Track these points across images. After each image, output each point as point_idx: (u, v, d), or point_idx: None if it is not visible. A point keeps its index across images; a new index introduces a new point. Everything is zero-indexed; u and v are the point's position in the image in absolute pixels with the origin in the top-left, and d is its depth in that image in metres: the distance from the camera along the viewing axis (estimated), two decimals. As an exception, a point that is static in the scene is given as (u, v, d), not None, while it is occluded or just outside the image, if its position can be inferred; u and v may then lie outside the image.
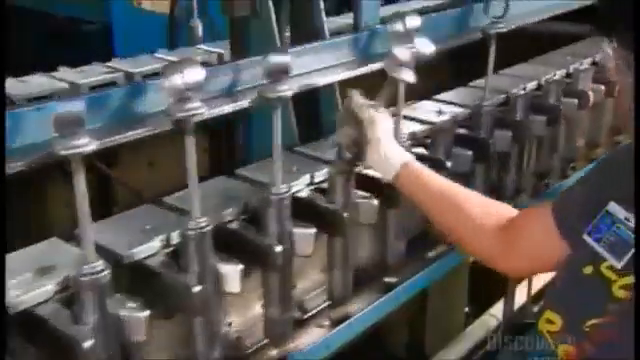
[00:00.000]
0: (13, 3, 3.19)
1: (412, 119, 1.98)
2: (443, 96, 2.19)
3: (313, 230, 1.50)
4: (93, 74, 2.16)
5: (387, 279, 1.76)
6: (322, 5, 2.05)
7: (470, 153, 1.93)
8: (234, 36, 2.00)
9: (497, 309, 2.74)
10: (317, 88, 1.93)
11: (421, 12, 2.72)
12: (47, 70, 2.16)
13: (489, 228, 1.44)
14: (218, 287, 1.34)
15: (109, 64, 2.27)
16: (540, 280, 3.01)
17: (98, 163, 1.80)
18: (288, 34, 2.03)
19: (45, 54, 2.44)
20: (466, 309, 2.63)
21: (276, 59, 1.38)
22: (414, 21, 1.61)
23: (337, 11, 2.79)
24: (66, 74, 2.16)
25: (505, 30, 1.92)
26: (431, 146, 1.91)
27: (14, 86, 2.01)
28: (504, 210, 1.48)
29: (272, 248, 1.42)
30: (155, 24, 3.14)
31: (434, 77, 2.65)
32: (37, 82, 2.08)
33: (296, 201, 1.52)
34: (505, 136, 2.04)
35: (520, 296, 2.83)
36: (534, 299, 2.92)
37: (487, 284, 2.69)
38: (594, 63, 2.47)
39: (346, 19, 2.59)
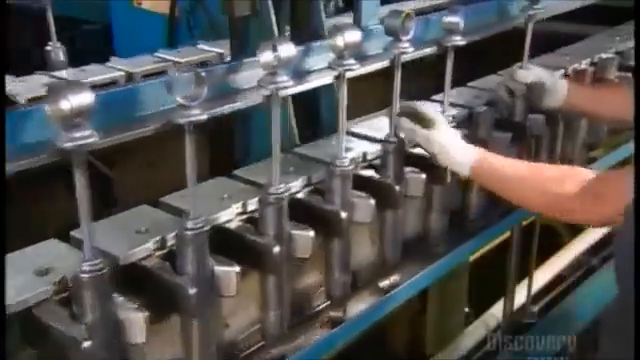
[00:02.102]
0: (13, 3, 3.20)
1: (363, 137, 1.83)
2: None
3: (311, 232, 1.45)
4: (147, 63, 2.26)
5: (333, 313, 1.62)
6: (322, 5, 2.06)
7: (423, 176, 1.76)
8: (234, 35, 2.01)
9: (497, 309, 2.75)
10: (317, 88, 1.93)
11: (422, 12, 2.75)
12: (47, 70, 2.17)
13: (568, 191, 1.60)
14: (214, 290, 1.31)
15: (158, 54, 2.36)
16: (540, 281, 3.02)
17: (98, 163, 1.80)
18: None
19: (45, 54, 2.44)
20: (466, 309, 2.64)
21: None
22: (354, 35, 1.47)
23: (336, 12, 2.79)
24: (119, 63, 2.24)
25: (464, 43, 1.80)
26: (381, 167, 1.74)
27: (76, 75, 2.10)
28: (578, 172, 1.66)
29: (270, 248, 1.38)
30: (155, 24, 3.14)
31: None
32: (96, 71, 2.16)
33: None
34: None
35: (520, 296, 2.84)
36: (534, 299, 2.93)
37: (487, 284, 2.70)
38: (566, 75, 2.34)
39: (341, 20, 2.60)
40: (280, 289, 1.47)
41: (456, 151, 1.72)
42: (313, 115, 2.08)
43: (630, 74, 2.47)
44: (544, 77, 2.06)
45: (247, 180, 1.61)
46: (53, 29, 2.27)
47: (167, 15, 3.00)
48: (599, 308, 2.84)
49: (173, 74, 1.23)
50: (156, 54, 2.35)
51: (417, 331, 2.42)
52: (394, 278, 1.74)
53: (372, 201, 1.61)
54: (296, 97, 1.89)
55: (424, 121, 1.74)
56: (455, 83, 2.15)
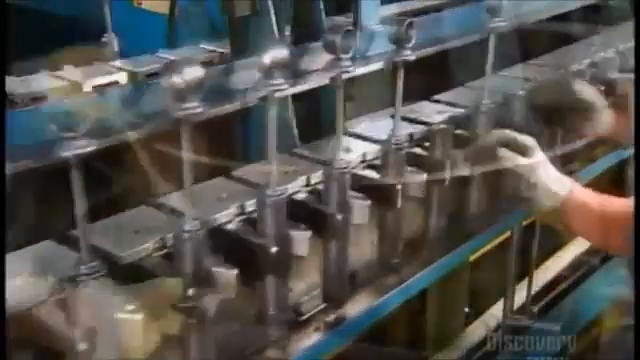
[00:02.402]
0: (13, 3, 3.20)
1: (312, 160, 1.75)
2: (359, 129, 1.93)
3: (234, 270, 1.32)
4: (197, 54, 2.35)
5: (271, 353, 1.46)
6: (322, 5, 2.06)
7: (367, 202, 1.60)
8: (234, 36, 2.01)
9: (497, 309, 2.75)
10: (317, 88, 1.93)
11: (422, 12, 2.75)
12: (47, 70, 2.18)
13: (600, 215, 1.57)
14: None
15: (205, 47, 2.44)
16: (540, 281, 3.02)
17: (98, 163, 1.80)
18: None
19: (45, 54, 2.44)
20: (466, 309, 2.63)
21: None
22: (196, 72, 1.22)
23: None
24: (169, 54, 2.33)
25: (413, 58, 1.60)
26: (323, 193, 1.57)
27: (129, 64, 2.22)
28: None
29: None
30: (155, 24, 3.14)
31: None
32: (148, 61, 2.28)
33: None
34: (417, 179, 1.74)
35: (520, 296, 2.84)
36: (534, 299, 2.92)
37: (487, 284, 2.70)
38: None
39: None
40: (202, 334, 1.30)
41: (549, 178, 1.62)
42: (313, 115, 2.08)
43: (603, 87, 2.44)
44: (595, 98, 1.96)
45: (172, 209, 1.49)
46: (110, 20, 2.50)
47: (167, 15, 3.00)
48: (599, 308, 2.84)
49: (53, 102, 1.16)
50: (202, 45, 2.42)
51: (417, 331, 2.42)
52: (340, 312, 1.60)
53: (308, 233, 1.47)
54: (296, 97, 1.90)
55: (517, 148, 1.67)
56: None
